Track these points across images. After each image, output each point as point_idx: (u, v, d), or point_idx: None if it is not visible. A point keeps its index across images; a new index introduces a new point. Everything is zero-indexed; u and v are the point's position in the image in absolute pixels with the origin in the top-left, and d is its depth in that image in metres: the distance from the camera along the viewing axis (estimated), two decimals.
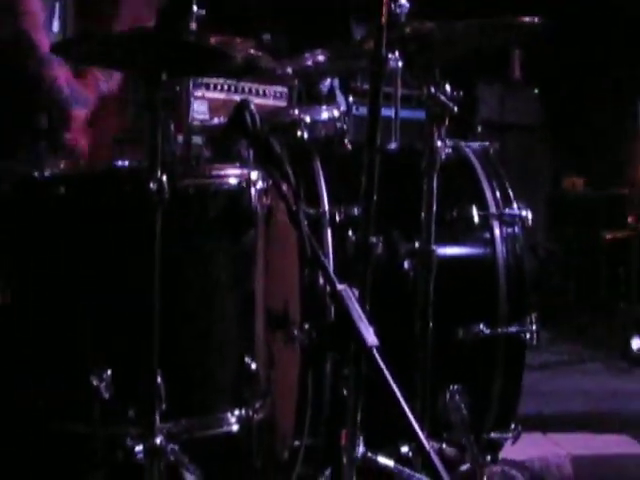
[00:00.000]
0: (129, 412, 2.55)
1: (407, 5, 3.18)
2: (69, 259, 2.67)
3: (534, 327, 3.24)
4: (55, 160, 3.19)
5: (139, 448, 2.49)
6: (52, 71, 3.09)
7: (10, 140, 3.18)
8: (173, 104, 3.07)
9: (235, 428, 2.71)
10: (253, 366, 2.74)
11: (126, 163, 2.97)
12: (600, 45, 6.31)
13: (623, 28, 5.66)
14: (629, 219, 6.05)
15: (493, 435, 3.28)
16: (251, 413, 2.73)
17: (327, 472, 2.76)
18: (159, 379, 2.48)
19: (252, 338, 2.80)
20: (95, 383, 2.51)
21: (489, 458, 3.25)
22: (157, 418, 2.50)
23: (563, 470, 3.50)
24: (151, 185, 2.49)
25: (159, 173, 2.50)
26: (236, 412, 2.71)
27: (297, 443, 2.98)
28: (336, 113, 3.35)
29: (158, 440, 2.49)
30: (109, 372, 2.53)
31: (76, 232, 2.66)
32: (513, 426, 3.31)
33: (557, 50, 5.70)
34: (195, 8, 2.97)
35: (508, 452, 3.38)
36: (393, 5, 3.02)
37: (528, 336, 3.23)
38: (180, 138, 3.26)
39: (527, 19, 2.98)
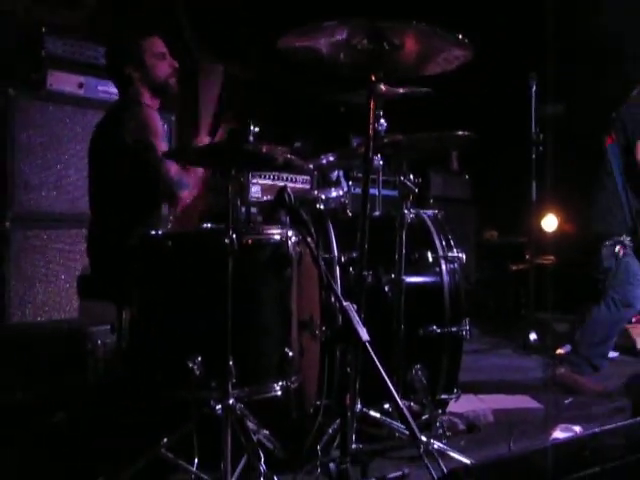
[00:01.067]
0: (212, 383, 2.56)
1: (385, 124, 3.20)
2: (174, 287, 2.69)
3: (467, 327, 3.22)
4: (167, 223, 3.21)
5: (219, 406, 2.50)
6: (166, 166, 3.09)
7: (140, 211, 3.19)
8: (239, 188, 3.08)
9: (279, 393, 2.70)
10: (290, 354, 2.74)
11: (209, 225, 2.98)
12: (507, 149, 6.33)
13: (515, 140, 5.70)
14: (527, 256, 6.04)
15: (442, 396, 3.25)
16: (289, 383, 2.73)
17: (337, 421, 2.75)
18: (231, 362, 2.50)
19: (289, 336, 2.80)
20: (190, 365, 2.52)
21: (440, 411, 3.23)
22: (230, 387, 2.51)
23: (487, 418, 3.48)
24: (225, 240, 2.51)
25: (230, 232, 2.52)
26: (280, 383, 2.70)
27: (318, 403, 2.97)
28: (341, 193, 3.37)
29: (230, 401, 2.50)
30: (199, 358, 2.54)
31: (178, 270, 2.67)
32: (455, 390, 3.29)
33: (480, 152, 5.71)
34: (252, 127, 2.99)
35: (452, 407, 3.36)
36: (376, 124, 3.04)
37: (464, 333, 3.22)
38: (243, 209, 3.27)
39: (461, 133, 2.99)
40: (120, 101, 3.37)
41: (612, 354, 5.16)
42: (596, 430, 1.50)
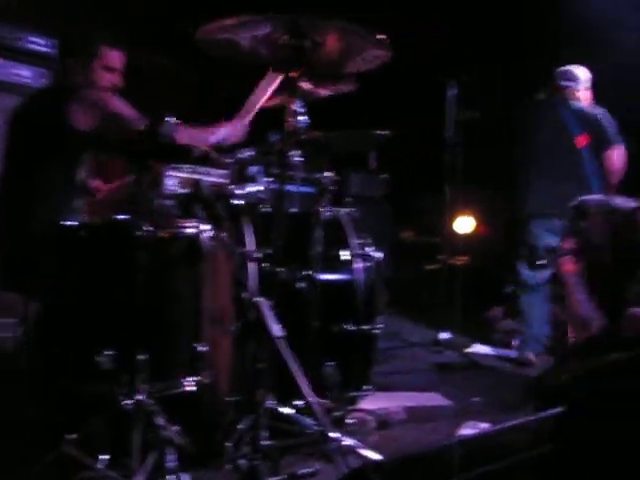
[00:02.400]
0: (122, 379, 2.50)
1: (305, 120, 3.19)
2: (86, 278, 2.62)
3: (381, 325, 3.26)
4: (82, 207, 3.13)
5: (129, 402, 2.45)
6: (140, 123, 2.99)
7: (53, 200, 3.09)
8: (155, 180, 3.02)
9: (191, 389, 2.67)
10: (202, 349, 2.71)
11: (124, 217, 2.92)
12: (424, 150, 6.41)
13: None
14: (440, 257, 6.12)
15: (355, 393, 3.28)
16: (201, 379, 2.70)
17: (249, 417, 2.73)
18: (142, 357, 2.45)
19: (201, 331, 2.76)
20: (100, 360, 2.47)
21: (352, 408, 3.26)
22: (140, 383, 2.46)
23: (398, 415, 3.51)
24: (139, 232, 2.47)
25: (145, 224, 2.48)
26: (191, 378, 2.67)
27: (230, 399, 2.93)
28: (259, 188, 3.33)
29: (141, 397, 2.45)
30: (110, 353, 2.48)
31: (91, 260, 2.62)
32: (368, 387, 3.32)
33: (397, 151, 5.79)
34: (170, 119, 2.94)
35: (364, 404, 3.38)
36: (296, 121, 3.03)
37: (377, 331, 3.25)
38: (158, 202, 3.20)
39: (378, 132, 3.01)
40: (58, 86, 3.29)
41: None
42: (501, 426, 1.54)
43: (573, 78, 4.94)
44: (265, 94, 3.31)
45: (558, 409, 1.56)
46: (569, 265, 3.70)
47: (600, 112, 4.83)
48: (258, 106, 3.33)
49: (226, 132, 3.22)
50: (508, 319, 6.11)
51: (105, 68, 3.24)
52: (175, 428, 2.65)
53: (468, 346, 5.52)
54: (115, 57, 3.28)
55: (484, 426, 3.30)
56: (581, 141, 4.79)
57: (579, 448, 1.48)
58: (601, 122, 4.79)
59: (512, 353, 5.35)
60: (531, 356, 4.79)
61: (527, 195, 5.02)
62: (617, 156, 4.76)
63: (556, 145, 4.85)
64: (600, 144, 4.77)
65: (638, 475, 1.43)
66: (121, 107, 3.08)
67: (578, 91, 4.93)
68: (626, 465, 1.44)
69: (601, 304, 3.20)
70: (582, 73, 4.96)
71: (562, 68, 4.97)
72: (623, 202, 3.17)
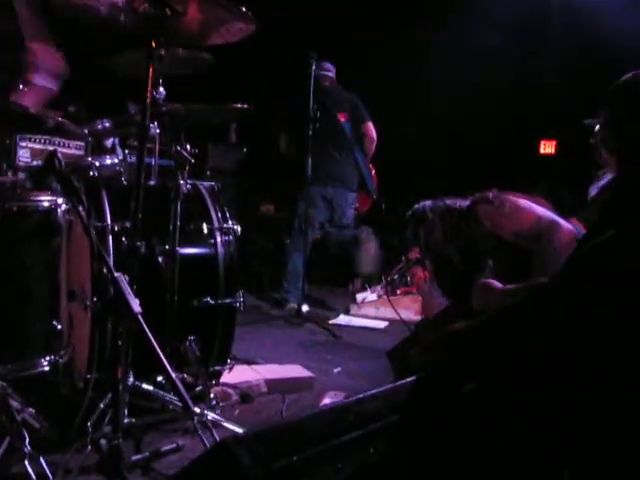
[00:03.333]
0: None
1: (164, 92, 3.13)
2: None
3: (241, 299, 3.25)
4: None
5: None
6: None
7: None
8: (5, 151, 2.89)
9: (47, 368, 2.59)
10: (59, 327, 2.63)
11: None
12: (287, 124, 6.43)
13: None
14: None
15: (216, 367, 3.26)
16: (58, 358, 2.62)
17: (109, 395, 2.68)
18: None
19: (58, 308, 2.69)
20: None
21: (214, 382, 3.25)
22: None
23: (260, 388, 3.54)
24: None
25: None
26: (47, 358, 2.59)
27: (89, 377, 2.86)
28: (116, 160, 3.24)
29: None
30: None
31: None
32: (229, 361, 3.31)
33: (255, 124, 5.83)
34: (21, 87, 2.82)
35: (226, 378, 3.38)
36: (155, 92, 2.97)
37: (237, 304, 3.25)
38: (10, 174, 3.07)
39: (239, 105, 3.00)
40: None
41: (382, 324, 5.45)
42: (360, 396, 1.59)
43: (328, 69, 6.18)
44: None
45: (410, 379, 1.62)
46: (420, 273, 3.83)
47: (352, 95, 6.18)
48: None
49: None
50: (366, 291, 6.28)
51: None
52: (30, 410, 2.57)
53: (329, 318, 5.62)
54: None
55: (345, 396, 3.38)
56: (342, 117, 6.07)
57: (422, 419, 1.55)
58: (357, 102, 6.14)
59: (375, 324, 5.50)
60: None
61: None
62: (372, 128, 6.16)
63: (325, 122, 5.81)
64: (358, 119, 6.13)
65: (477, 449, 1.51)
66: None
67: (331, 79, 6.19)
68: (464, 437, 1.51)
69: (453, 297, 3.33)
70: (331, 66, 6.22)
71: (320, 62, 5.99)
72: (454, 202, 3.32)
